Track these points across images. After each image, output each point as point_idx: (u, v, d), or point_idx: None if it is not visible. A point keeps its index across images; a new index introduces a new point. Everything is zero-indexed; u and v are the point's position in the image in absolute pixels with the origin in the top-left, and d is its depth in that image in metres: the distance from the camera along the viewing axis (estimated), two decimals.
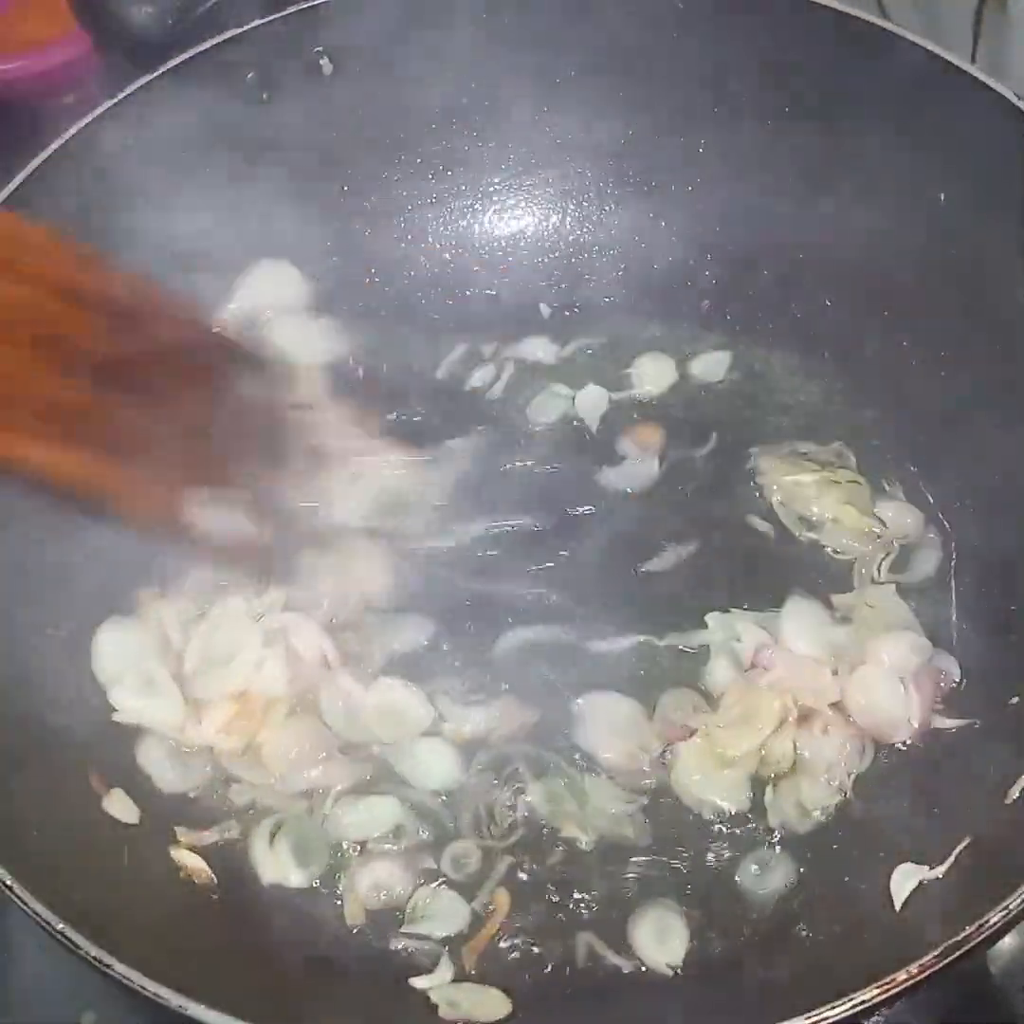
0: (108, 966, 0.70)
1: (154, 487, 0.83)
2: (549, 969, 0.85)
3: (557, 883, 0.88)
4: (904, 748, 0.92)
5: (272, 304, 1.11)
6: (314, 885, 0.88)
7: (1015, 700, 0.89)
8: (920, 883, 0.81)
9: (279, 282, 1.12)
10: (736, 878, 0.88)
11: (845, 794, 0.91)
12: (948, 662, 0.95)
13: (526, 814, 0.91)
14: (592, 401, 1.12)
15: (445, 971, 0.84)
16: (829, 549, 1.03)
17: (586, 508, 1.05)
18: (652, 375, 1.13)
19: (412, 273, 1.18)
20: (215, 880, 0.86)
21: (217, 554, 0.90)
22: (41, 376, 0.78)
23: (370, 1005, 0.82)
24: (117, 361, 0.81)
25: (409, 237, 1.18)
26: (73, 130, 0.97)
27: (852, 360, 1.09)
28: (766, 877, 0.89)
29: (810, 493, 1.04)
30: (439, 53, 1.09)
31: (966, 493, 1.01)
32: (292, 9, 1.05)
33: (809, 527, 1.04)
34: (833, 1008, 0.68)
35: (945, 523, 1.02)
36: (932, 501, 1.03)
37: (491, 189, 1.19)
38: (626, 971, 0.85)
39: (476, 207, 1.19)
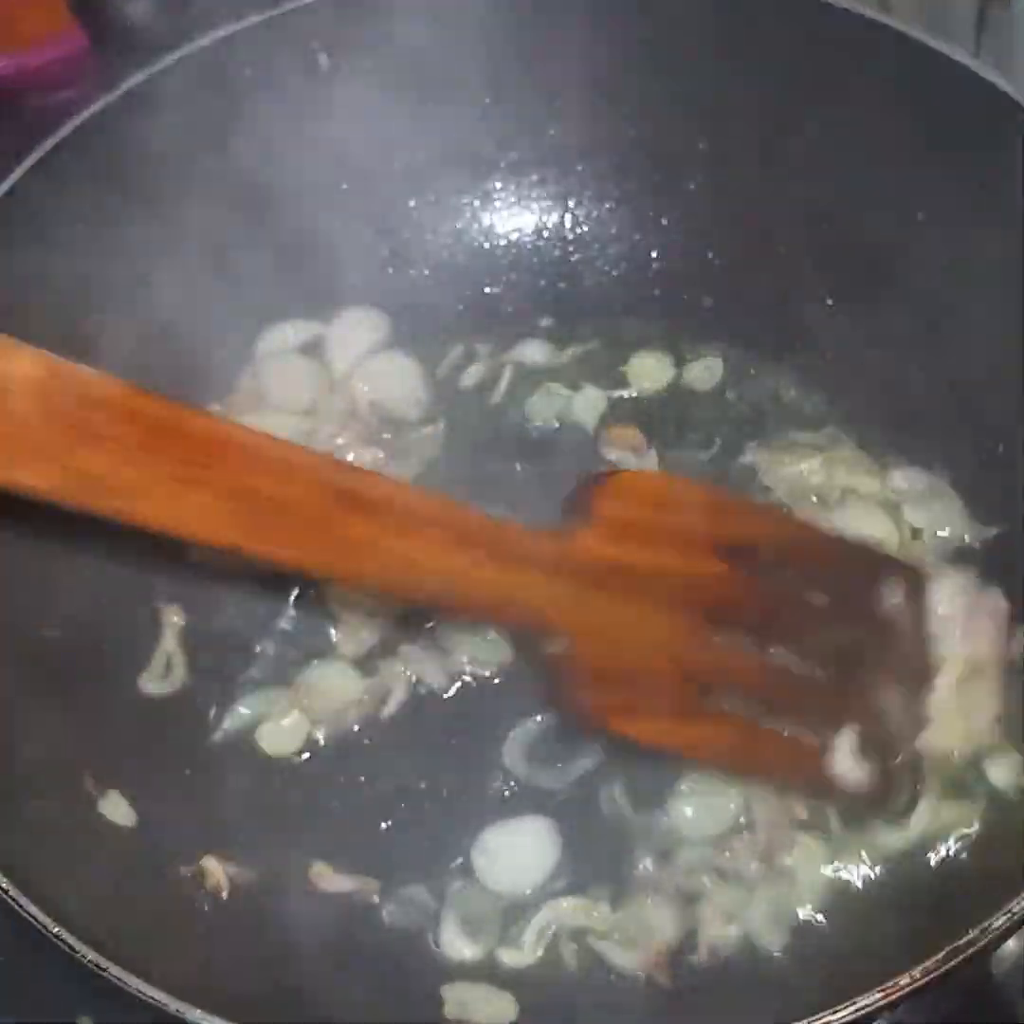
0: (104, 970, 0.70)
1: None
2: (556, 972, 0.85)
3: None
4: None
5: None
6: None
7: None
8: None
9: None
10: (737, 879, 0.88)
11: None
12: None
13: None
14: (589, 402, 1.12)
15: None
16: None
17: None
18: (650, 375, 1.13)
19: (410, 272, 1.18)
20: (227, 885, 0.86)
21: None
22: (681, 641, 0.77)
23: (371, 1009, 0.81)
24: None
25: (407, 235, 1.18)
26: (69, 127, 0.97)
27: (853, 361, 1.09)
28: None
29: (817, 478, 1.03)
30: (439, 51, 1.09)
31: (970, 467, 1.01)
32: (290, 5, 1.04)
33: (826, 507, 1.02)
34: (835, 1012, 0.68)
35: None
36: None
37: (490, 188, 1.19)
38: (628, 972, 0.85)
39: (475, 206, 1.19)
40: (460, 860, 0.89)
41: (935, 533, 0.99)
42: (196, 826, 0.88)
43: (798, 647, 0.80)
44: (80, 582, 0.95)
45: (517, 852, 0.88)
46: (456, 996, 0.82)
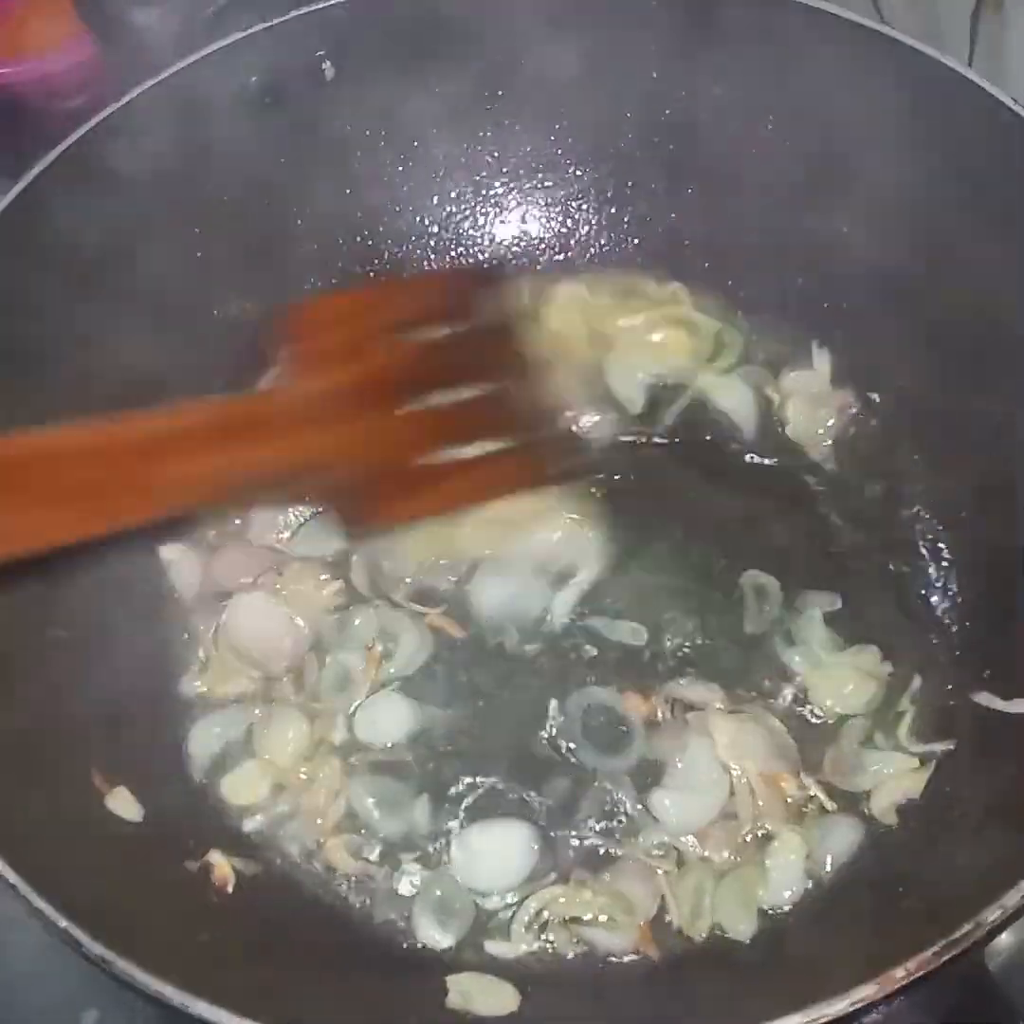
0: (110, 964, 0.70)
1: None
2: (560, 965, 0.86)
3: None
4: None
5: None
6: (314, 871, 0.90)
7: None
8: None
9: None
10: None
11: None
12: None
13: None
14: None
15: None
16: None
17: None
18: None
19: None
20: (233, 879, 0.87)
21: None
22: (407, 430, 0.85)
23: (374, 1001, 0.82)
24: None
25: (412, 239, 1.19)
26: (78, 134, 0.97)
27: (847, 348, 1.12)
28: None
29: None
30: (440, 57, 1.10)
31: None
32: (295, 13, 1.05)
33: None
34: (831, 1005, 0.68)
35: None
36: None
37: (492, 192, 1.20)
38: (618, 953, 0.87)
39: (477, 210, 1.20)
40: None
41: None
42: (202, 821, 0.89)
43: (476, 377, 0.89)
44: (84, 582, 0.96)
45: (496, 854, 0.90)
46: (459, 986, 0.83)
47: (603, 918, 0.87)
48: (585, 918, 0.87)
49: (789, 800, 0.91)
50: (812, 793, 0.91)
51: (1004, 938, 0.78)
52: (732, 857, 0.89)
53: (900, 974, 0.69)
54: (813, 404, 1.10)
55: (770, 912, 0.88)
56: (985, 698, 0.90)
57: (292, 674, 0.98)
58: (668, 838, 0.90)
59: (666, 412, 1.11)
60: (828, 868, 0.89)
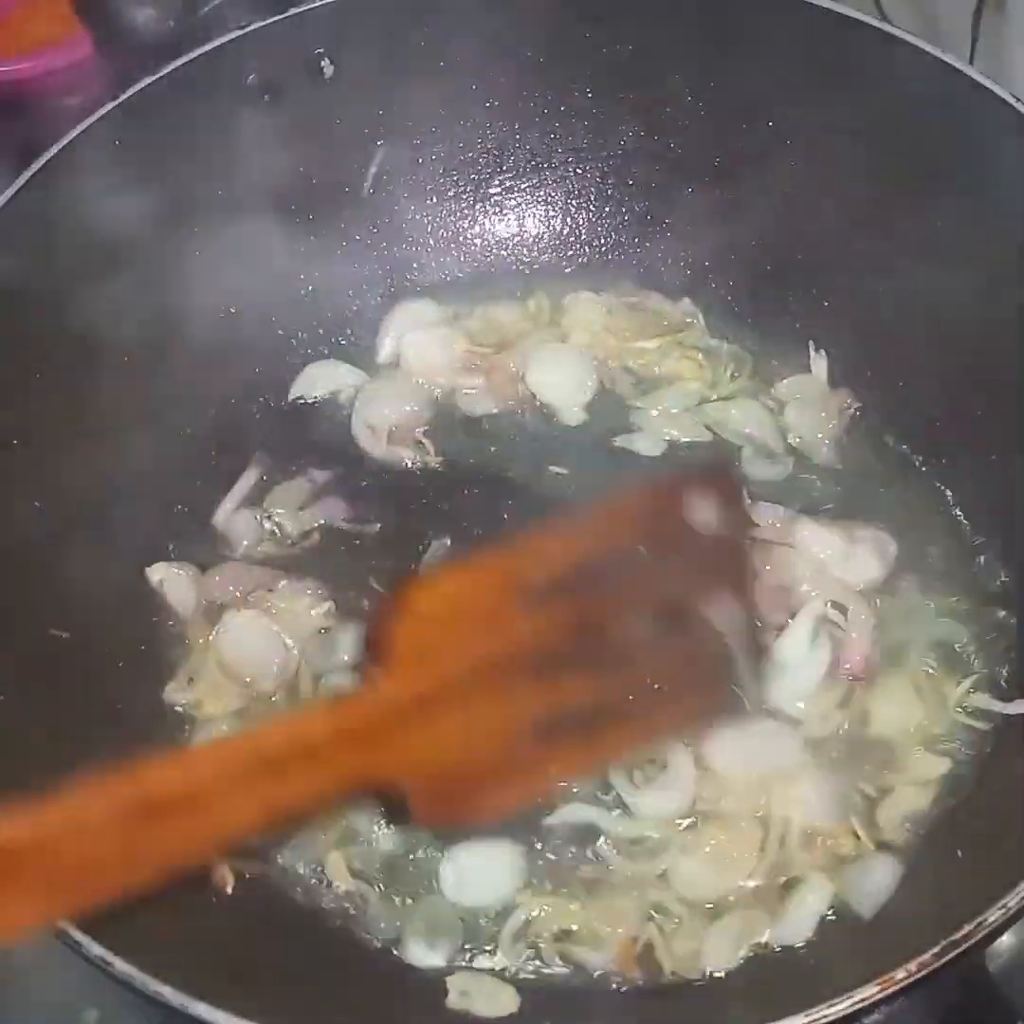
0: (109, 964, 0.70)
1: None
2: (549, 979, 0.85)
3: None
4: None
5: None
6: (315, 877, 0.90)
7: None
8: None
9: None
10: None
11: None
12: None
13: None
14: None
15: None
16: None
17: None
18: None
19: (412, 276, 1.19)
20: (233, 882, 0.87)
21: None
22: None
23: (374, 1002, 0.82)
24: None
25: (410, 238, 1.19)
26: (76, 131, 0.97)
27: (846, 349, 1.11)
28: None
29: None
30: (440, 55, 1.10)
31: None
32: (294, 10, 1.05)
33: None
34: (832, 1006, 0.68)
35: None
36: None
37: (491, 191, 1.19)
38: (603, 970, 0.85)
39: (476, 209, 1.20)
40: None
41: None
42: None
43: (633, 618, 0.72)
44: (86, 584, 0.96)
45: (484, 871, 0.88)
46: (460, 986, 0.83)
47: (588, 933, 0.85)
48: (571, 932, 0.85)
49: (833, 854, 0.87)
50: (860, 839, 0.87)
51: (1005, 939, 0.78)
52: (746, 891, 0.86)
53: (901, 975, 0.69)
54: (814, 407, 1.09)
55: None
56: (984, 700, 0.90)
57: (284, 692, 0.97)
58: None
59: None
60: (865, 915, 0.84)
